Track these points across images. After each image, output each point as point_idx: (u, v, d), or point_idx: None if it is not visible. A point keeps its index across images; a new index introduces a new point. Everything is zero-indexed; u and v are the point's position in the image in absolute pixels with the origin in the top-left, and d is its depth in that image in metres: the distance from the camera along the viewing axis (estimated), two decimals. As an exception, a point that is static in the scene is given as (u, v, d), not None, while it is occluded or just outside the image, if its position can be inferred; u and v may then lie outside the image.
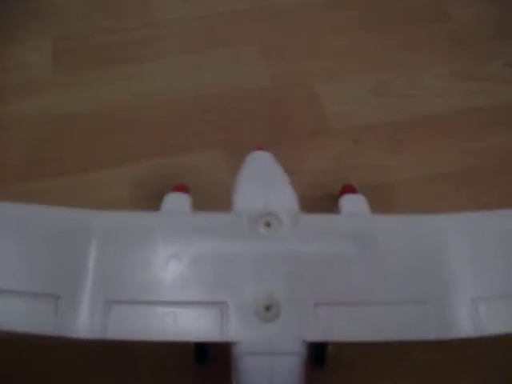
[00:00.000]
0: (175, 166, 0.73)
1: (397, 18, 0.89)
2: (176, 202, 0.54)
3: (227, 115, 0.78)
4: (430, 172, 0.73)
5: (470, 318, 0.46)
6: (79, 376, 0.56)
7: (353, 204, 0.55)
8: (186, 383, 0.56)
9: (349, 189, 0.58)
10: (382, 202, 0.64)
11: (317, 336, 0.45)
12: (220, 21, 0.89)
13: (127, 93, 0.80)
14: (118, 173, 0.72)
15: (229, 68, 0.84)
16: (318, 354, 0.55)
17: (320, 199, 0.68)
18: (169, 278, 0.46)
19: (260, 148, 0.60)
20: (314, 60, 0.84)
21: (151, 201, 0.59)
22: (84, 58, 0.84)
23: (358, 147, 0.75)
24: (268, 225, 0.49)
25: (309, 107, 0.79)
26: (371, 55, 0.85)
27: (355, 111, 0.78)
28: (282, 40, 0.87)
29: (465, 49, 0.85)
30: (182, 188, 0.56)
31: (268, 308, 0.45)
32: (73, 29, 0.88)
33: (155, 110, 0.79)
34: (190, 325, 0.45)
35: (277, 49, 0.86)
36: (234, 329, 0.44)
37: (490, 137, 0.76)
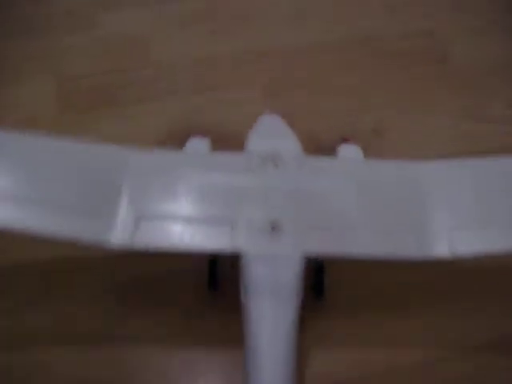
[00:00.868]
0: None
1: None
2: (197, 144, 0.63)
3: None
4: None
5: (447, 243, 0.53)
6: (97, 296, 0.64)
7: (349, 151, 0.63)
8: (199, 306, 0.63)
9: (346, 140, 0.66)
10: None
11: (313, 250, 0.53)
12: (221, 62, 0.87)
13: (128, 132, 0.78)
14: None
15: (230, 110, 0.81)
16: (316, 284, 0.63)
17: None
18: (189, 201, 0.55)
19: None
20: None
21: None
22: (87, 97, 0.83)
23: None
24: (276, 164, 0.57)
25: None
26: (371, 94, 0.83)
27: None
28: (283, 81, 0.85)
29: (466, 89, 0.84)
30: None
31: (273, 226, 0.53)
32: (76, 69, 0.86)
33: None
34: (205, 238, 0.53)
35: (279, 89, 0.84)
36: (244, 240, 0.53)
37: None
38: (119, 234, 0.52)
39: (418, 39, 0.90)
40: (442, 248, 0.53)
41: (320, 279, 0.63)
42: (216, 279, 0.63)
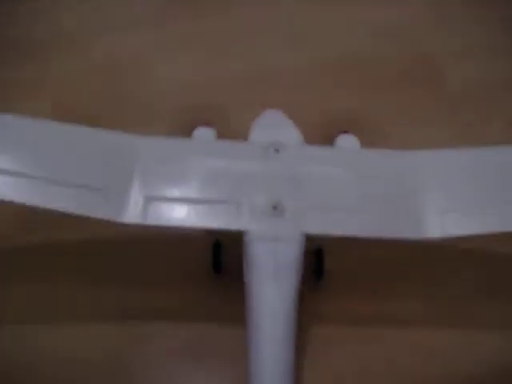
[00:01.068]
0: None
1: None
2: (203, 133, 0.66)
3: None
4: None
5: (438, 225, 0.57)
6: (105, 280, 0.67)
7: (347, 141, 0.66)
8: (204, 289, 0.66)
9: (345, 132, 0.70)
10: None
11: (313, 230, 0.56)
12: (220, 84, 0.87)
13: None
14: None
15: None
16: (317, 267, 0.66)
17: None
18: (196, 184, 0.58)
19: None
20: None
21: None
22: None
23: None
24: (277, 151, 0.61)
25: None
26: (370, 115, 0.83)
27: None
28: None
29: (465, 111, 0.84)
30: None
31: (275, 207, 0.56)
32: (71, 97, 0.84)
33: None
34: (211, 217, 0.56)
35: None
36: (247, 220, 0.56)
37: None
38: (131, 212, 0.56)
39: (414, 62, 0.91)
40: (434, 229, 0.56)
41: (320, 263, 0.66)
42: (220, 262, 0.66)
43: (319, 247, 0.66)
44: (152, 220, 0.56)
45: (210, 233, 0.65)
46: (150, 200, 0.56)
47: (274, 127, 0.66)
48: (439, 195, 0.58)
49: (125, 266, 0.68)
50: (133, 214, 0.56)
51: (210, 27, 0.94)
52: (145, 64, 0.90)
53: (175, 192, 0.57)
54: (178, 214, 0.56)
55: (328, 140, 0.68)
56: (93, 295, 0.66)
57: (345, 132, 0.69)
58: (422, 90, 0.87)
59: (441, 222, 0.57)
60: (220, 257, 0.66)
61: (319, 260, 0.66)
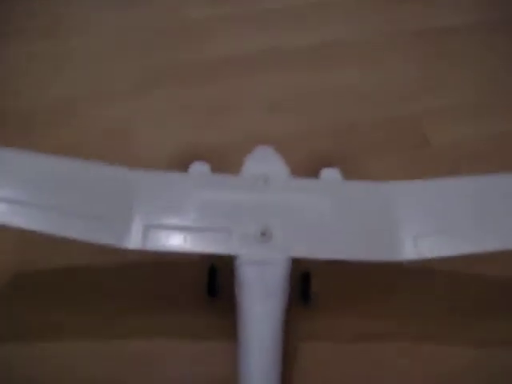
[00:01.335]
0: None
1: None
2: (199, 168, 0.72)
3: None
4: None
5: (413, 248, 0.62)
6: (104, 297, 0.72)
7: (329, 173, 0.72)
8: (199, 311, 0.71)
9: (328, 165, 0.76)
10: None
11: (298, 253, 0.62)
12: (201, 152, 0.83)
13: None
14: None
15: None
16: (303, 291, 0.71)
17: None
18: (191, 214, 0.64)
19: None
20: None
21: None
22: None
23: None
24: (266, 182, 0.67)
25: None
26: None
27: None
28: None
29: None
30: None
31: (263, 233, 0.62)
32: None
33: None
34: (205, 243, 0.62)
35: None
36: (237, 245, 0.61)
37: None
38: (133, 239, 0.61)
39: (398, 124, 0.92)
40: (409, 252, 0.62)
41: (307, 287, 0.71)
42: (215, 286, 0.71)
43: (307, 271, 0.71)
44: (151, 246, 0.61)
45: (205, 258, 0.70)
46: (149, 228, 0.62)
47: (264, 161, 0.72)
48: (414, 221, 0.64)
49: (125, 289, 0.73)
50: (134, 240, 0.61)
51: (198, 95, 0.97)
52: (125, 132, 0.91)
53: (172, 220, 0.63)
54: (175, 241, 0.62)
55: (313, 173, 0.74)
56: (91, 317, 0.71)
57: (328, 165, 0.75)
58: (408, 154, 0.88)
59: (415, 246, 0.62)
60: (215, 281, 0.71)
61: (306, 283, 0.71)
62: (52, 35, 1.06)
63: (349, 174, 0.74)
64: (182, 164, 0.77)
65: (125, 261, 0.73)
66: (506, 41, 1.07)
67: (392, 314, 0.71)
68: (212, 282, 0.71)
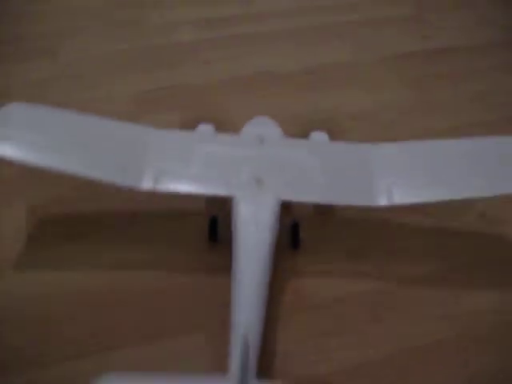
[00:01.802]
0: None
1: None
2: (205, 128, 0.83)
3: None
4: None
5: (386, 195, 0.72)
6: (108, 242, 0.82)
7: (318, 135, 0.83)
8: (201, 252, 0.81)
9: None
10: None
11: (285, 197, 0.73)
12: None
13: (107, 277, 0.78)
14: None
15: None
16: (293, 238, 0.81)
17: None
18: (197, 164, 0.75)
19: None
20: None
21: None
22: (62, 228, 0.85)
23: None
24: (261, 141, 0.78)
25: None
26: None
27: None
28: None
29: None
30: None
31: (257, 180, 0.73)
32: (49, 196, 0.88)
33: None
34: (207, 186, 0.73)
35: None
36: (235, 189, 0.72)
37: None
38: (145, 182, 0.72)
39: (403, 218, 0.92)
40: (382, 199, 0.72)
41: (296, 234, 0.81)
42: (215, 233, 0.82)
43: (296, 221, 0.81)
44: (161, 188, 0.72)
45: (208, 209, 0.81)
46: (160, 173, 0.73)
47: (261, 125, 0.83)
48: (387, 175, 0.75)
49: (137, 232, 0.84)
50: (146, 183, 0.72)
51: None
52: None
53: (180, 168, 0.74)
54: (182, 185, 0.73)
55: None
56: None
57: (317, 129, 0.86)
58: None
59: (388, 194, 0.73)
60: (216, 229, 0.82)
61: (295, 231, 0.81)
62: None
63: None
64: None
65: (138, 209, 0.85)
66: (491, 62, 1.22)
67: (367, 256, 0.81)
68: (213, 229, 0.82)
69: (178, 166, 0.75)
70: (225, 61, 1.22)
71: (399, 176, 0.75)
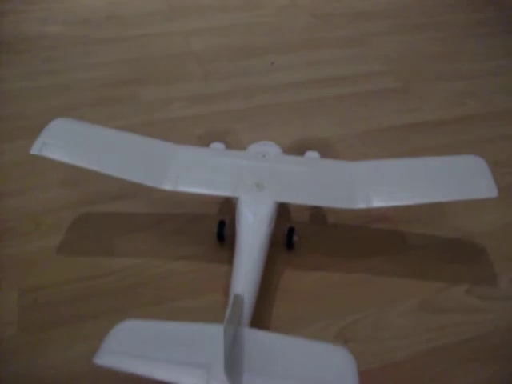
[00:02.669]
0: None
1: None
2: (217, 145, 1.01)
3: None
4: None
5: (365, 199, 0.88)
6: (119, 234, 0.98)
7: (311, 154, 1.00)
8: (209, 249, 0.96)
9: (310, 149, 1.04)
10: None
11: (281, 199, 0.88)
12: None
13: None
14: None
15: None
16: (288, 240, 0.96)
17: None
18: (209, 170, 0.91)
19: None
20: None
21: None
22: (53, 312, 0.86)
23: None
24: (264, 156, 0.95)
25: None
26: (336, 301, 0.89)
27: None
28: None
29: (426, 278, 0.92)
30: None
31: (257, 185, 0.89)
32: (41, 281, 0.91)
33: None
34: (218, 188, 0.89)
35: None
36: (239, 191, 0.88)
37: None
38: (168, 183, 0.89)
39: (375, 225, 1.02)
40: (361, 202, 0.88)
41: (291, 237, 0.96)
42: (222, 234, 0.97)
43: (292, 226, 0.96)
44: (181, 188, 0.89)
45: (217, 213, 0.96)
46: (180, 177, 0.90)
47: (264, 146, 1.00)
48: (367, 184, 0.90)
49: (157, 229, 1.00)
50: (168, 184, 0.89)
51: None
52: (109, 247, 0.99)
53: (196, 174, 0.91)
54: (197, 186, 0.89)
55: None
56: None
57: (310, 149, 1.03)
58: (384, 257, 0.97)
59: (365, 199, 0.88)
60: (223, 230, 0.97)
61: (291, 235, 0.96)
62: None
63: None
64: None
65: (161, 212, 1.01)
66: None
67: (344, 254, 0.96)
68: (220, 230, 0.97)
69: (193, 172, 0.91)
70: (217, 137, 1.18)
71: (376, 185, 0.90)
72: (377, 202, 0.88)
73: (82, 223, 1.01)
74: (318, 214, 1.02)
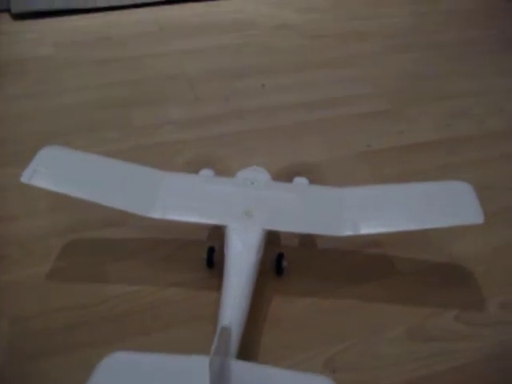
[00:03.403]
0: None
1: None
2: (206, 172, 1.01)
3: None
4: None
5: (351, 226, 0.88)
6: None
7: (299, 180, 1.00)
8: (199, 276, 0.96)
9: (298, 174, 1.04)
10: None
11: (269, 227, 0.89)
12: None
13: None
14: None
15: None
16: (277, 266, 0.96)
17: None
18: (197, 198, 0.92)
19: None
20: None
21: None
22: (42, 342, 0.86)
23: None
24: (252, 183, 0.95)
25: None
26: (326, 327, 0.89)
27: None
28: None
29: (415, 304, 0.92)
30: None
31: (246, 213, 0.89)
32: (32, 309, 0.90)
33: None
34: (206, 216, 0.90)
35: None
36: (228, 219, 0.89)
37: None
38: (157, 211, 0.89)
39: (365, 250, 1.01)
40: (348, 230, 0.88)
41: (280, 263, 0.96)
42: (212, 260, 0.97)
43: (281, 252, 0.96)
44: (169, 216, 0.89)
45: (206, 240, 0.97)
46: (168, 205, 0.90)
47: (253, 171, 1.00)
48: (353, 211, 0.91)
49: (149, 255, 1.00)
50: (157, 212, 0.89)
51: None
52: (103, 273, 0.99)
53: (184, 202, 0.91)
54: (185, 215, 0.90)
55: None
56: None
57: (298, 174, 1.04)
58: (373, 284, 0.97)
59: (353, 226, 0.88)
60: (212, 256, 0.97)
61: (280, 260, 0.96)
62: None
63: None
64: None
65: (151, 238, 1.02)
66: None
67: (334, 279, 0.96)
68: (210, 257, 0.97)
69: (181, 200, 0.92)
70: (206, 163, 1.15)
71: (363, 211, 0.91)
72: (364, 229, 0.88)
73: (72, 250, 1.01)
74: (307, 239, 1.03)
